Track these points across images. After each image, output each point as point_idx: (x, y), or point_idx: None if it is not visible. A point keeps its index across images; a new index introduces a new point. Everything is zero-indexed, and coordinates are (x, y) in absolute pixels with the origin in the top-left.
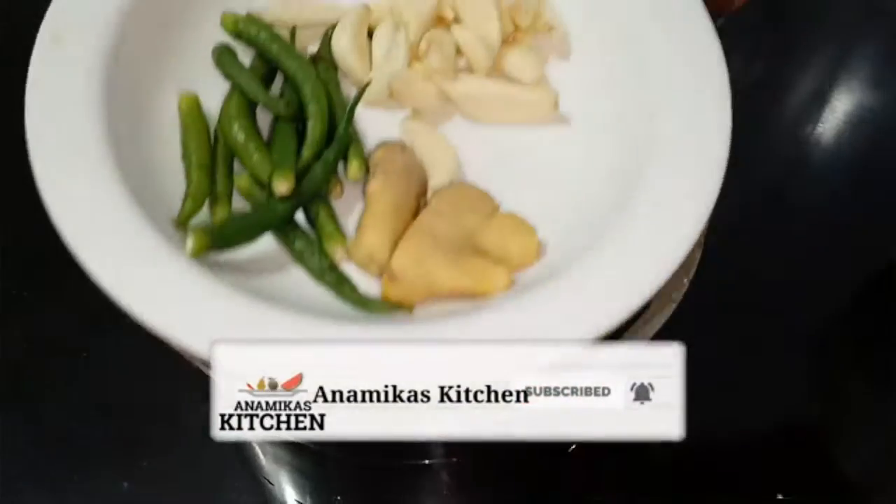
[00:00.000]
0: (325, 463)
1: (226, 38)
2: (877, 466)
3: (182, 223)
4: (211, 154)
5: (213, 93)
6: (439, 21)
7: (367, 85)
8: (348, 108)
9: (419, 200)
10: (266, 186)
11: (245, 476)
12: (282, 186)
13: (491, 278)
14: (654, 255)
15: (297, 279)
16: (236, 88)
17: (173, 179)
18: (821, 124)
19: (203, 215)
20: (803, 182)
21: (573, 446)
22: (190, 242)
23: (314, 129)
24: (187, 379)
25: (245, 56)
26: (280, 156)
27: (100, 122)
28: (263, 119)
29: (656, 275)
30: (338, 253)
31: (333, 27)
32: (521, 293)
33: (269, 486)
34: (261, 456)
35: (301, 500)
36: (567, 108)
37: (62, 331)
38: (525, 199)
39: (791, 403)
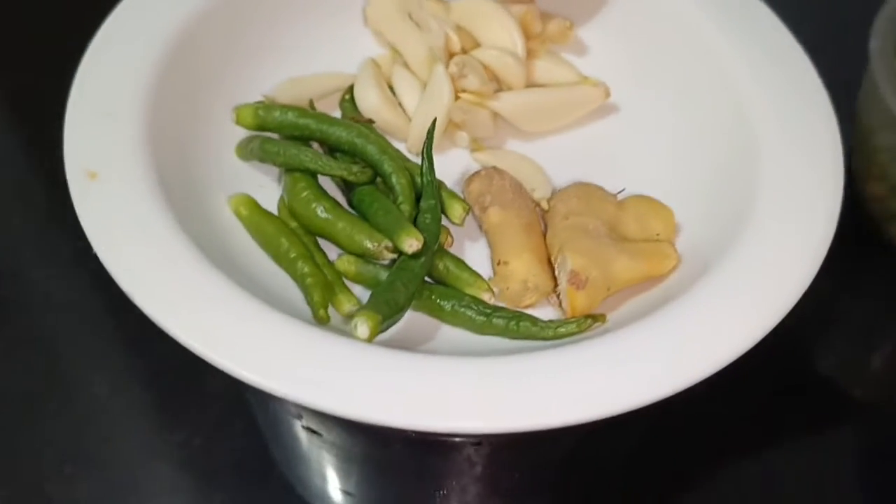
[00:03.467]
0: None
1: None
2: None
3: (323, 317)
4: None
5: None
6: (452, 55)
7: (434, 123)
8: (424, 151)
9: (537, 214)
10: (377, 256)
11: (261, 466)
12: (413, 244)
13: (666, 257)
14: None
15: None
16: (295, 170)
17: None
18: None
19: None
20: None
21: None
22: (363, 328)
23: (400, 183)
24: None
25: None
26: (388, 218)
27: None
28: None
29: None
30: (485, 297)
31: (348, 91)
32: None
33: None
34: (276, 448)
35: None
36: (614, 99)
37: None
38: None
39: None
